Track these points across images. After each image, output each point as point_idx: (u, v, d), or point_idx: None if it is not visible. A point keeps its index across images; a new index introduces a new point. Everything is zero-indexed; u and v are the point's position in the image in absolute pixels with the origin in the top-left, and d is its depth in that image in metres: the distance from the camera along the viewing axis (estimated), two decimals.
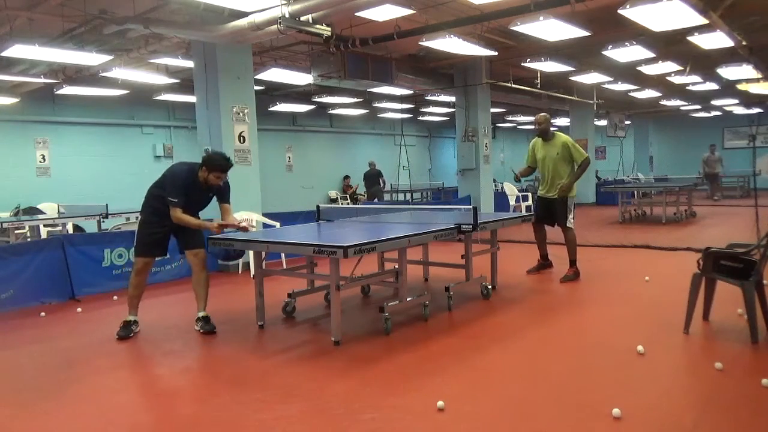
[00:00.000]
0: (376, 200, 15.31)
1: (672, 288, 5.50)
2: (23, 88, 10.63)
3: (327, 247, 4.08)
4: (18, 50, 6.83)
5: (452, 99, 12.99)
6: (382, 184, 16.20)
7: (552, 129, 6.64)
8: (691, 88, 13.96)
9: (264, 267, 5.18)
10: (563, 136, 6.52)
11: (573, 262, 6.45)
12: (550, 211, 6.52)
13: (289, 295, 5.32)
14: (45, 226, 8.46)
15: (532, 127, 6.43)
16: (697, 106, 18.68)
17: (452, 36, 7.51)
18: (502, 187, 14.84)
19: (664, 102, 16.71)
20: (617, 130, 19.08)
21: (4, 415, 3.32)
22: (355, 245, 3.98)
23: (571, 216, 6.43)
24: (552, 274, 6.71)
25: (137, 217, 5.16)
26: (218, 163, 4.68)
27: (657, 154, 23.24)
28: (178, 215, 4.64)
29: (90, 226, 9.36)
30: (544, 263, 6.92)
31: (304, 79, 9.86)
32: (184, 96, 11.47)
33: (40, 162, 12.13)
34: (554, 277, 6.48)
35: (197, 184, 4.73)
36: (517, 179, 6.91)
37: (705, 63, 11.00)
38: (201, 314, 4.86)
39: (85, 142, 12.79)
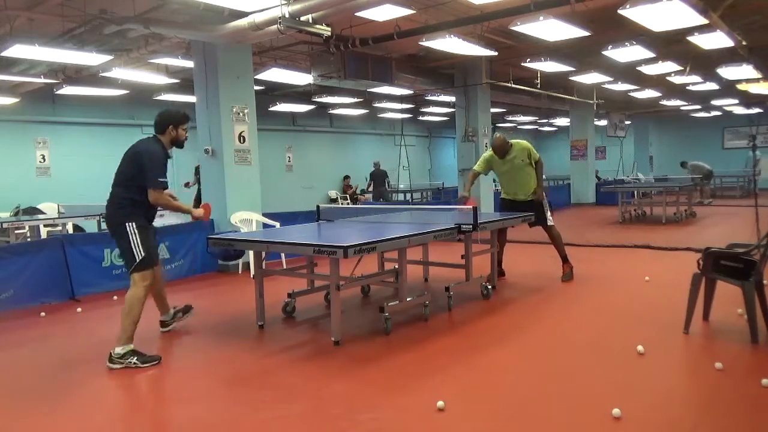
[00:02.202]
0: (381, 200, 15.28)
1: (672, 288, 5.50)
2: (23, 88, 10.63)
3: (327, 247, 4.08)
4: (18, 50, 6.83)
5: (452, 99, 13.00)
6: (387, 185, 16.14)
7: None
8: (691, 88, 13.95)
9: (264, 267, 5.18)
10: (521, 142, 6.65)
11: (565, 258, 6.52)
12: (520, 212, 6.37)
13: (289, 295, 5.32)
14: (45, 226, 8.46)
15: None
16: (697, 106, 18.67)
17: (452, 36, 7.51)
18: None
19: (664, 102, 16.70)
20: (617, 130, 19.09)
21: (3, 416, 3.32)
22: (355, 245, 3.98)
23: (549, 214, 6.53)
24: (547, 274, 6.69)
25: (131, 226, 4.17)
26: (181, 113, 4.45)
27: (657, 154, 23.23)
28: (164, 199, 4.21)
29: (90, 226, 9.37)
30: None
31: (304, 79, 9.86)
32: (184, 96, 11.46)
33: (40, 162, 12.13)
34: (554, 277, 6.48)
35: (167, 155, 4.42)
36: (465, 198, 6.46)
37: (705, 63, 11.00)
38: (173, 309, 4.99)
39: (85, 142, 12.79)
